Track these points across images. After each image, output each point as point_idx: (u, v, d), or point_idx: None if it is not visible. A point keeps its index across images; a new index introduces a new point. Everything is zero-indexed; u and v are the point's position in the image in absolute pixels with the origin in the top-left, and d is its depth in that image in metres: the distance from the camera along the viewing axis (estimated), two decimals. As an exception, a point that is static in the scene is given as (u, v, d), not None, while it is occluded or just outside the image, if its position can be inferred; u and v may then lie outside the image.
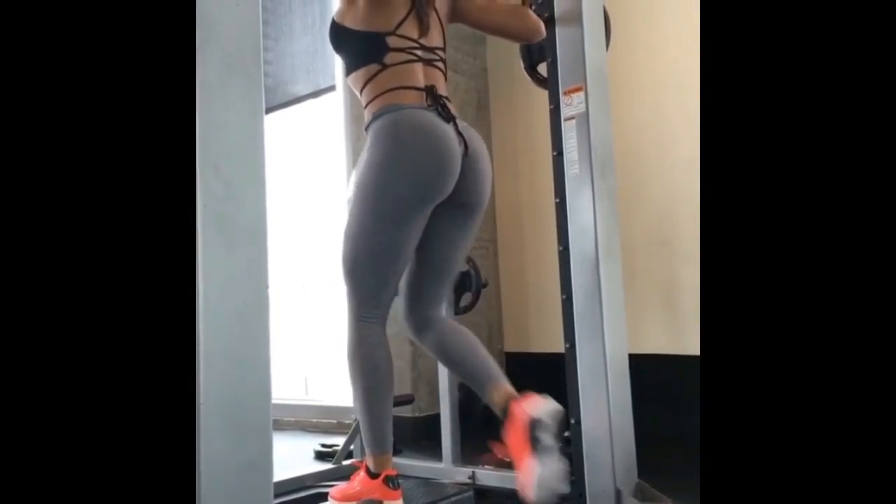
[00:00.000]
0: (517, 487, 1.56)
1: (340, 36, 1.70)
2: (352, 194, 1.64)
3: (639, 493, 1.94)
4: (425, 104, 1.61)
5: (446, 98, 1.69)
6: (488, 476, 2.29)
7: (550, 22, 2.12)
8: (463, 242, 1.75)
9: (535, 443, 1.50)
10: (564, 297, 2.06)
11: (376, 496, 1.65)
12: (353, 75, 1.69)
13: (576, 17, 2.04)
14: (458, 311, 2.53)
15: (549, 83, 2.16)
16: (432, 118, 1.60)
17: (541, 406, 1.53)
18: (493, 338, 3.63)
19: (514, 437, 1.54)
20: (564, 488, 1.55)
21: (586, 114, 2.01)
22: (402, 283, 1.73)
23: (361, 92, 1.67)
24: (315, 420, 3.72)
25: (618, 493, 1.90)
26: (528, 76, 2.38)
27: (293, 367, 4.06)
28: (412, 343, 3.28)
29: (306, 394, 4.09)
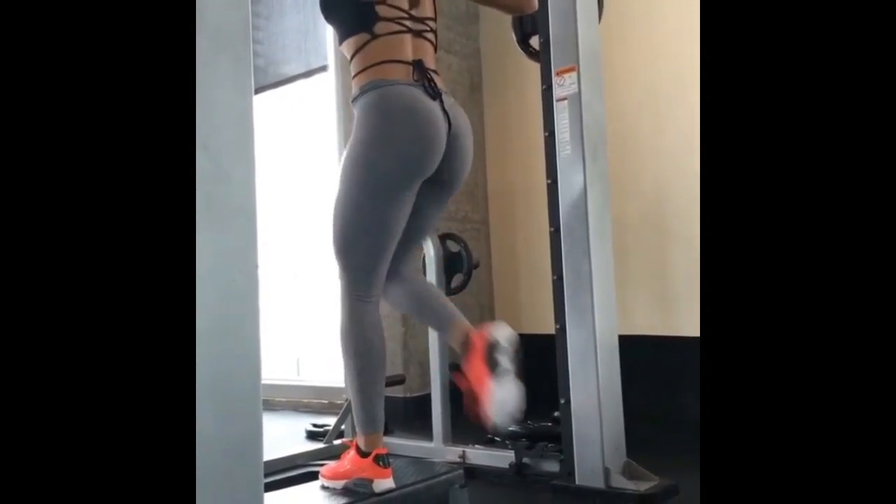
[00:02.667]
0: (467, 407, 1.61)
1: (330, 4, 1.69)
2: (340, 171, 1.64)
3: (627, 471, 1.96)
4: (412, 79, 1.61)
5: (434, 72, 1.68)
6: (478, 455, 2.31)
7: (543, 2, 2.11)
8: (436, 213, 1.80)
9: (493, 366, 1.55)
10: (555, 278, 2.06)
11: (367, 474, 1.66)
12: (344, 44, 1.69)
13: (568, -3, 2.03)
14: (450, 291, 2.54)
15: (542, 63, 2.15)
16: (418, 94, 1.59)
17: (497, 330, 1.60)
18: (484, 319, 3.64)
19: (474, 364, 1.59)
20: (520, 411, 1.59)
21: (578, 94, 2.01)
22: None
23: (352, 60, 1.67)
24: (306, 400, 3.74)
25: (606, 472, 1.92)
26: (520, 49, 2.37)
27: (285, 349, 4.07)
28: (404, 324, 3.30)
29: (298, 374, 4.11)
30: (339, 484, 1.71)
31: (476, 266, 2.58)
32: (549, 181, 2.08)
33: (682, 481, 1.91)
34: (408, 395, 3.26)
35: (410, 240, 1.76)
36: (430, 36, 1.70)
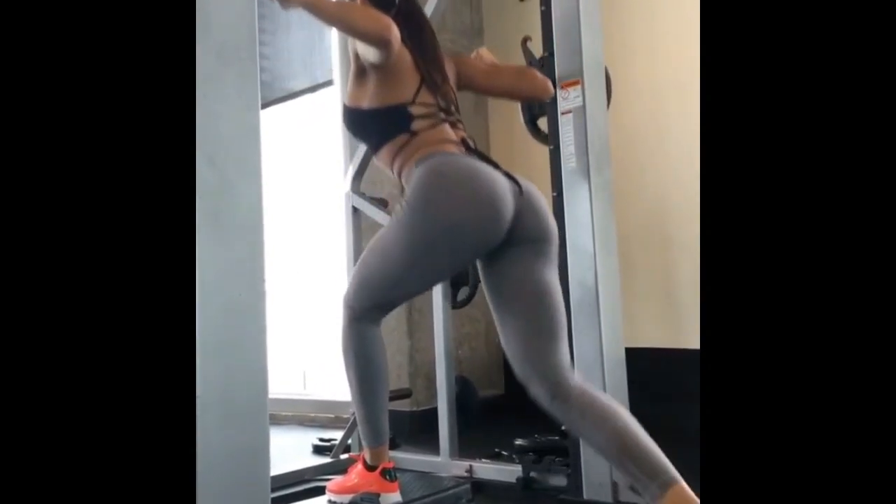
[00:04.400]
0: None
1: (359, 119, 1.64)
2: (394, 221, 1.53)
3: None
4: (465, 153, 1.55)
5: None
6: (485, 469, 2.30)
7: (547, 14, 2.12)
8: (548, 274, 1.54)
9: None
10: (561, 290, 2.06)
11: (374, 488, 1.66)
12: (381, 151, 1.61)
13: (572, 11, 2.04)
14: (455, 305, 2.53)
15: (546, 75, 2.16)
16: (477, 162, 1.51)
17: None
18: (490, 332, 3.63)
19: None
20: None
21: (583, 107, 2.01)
22: (513, 354, 1.51)
23: (393, 162, 1.59)
24: (313, 414, 3.73)
25: (614, 486, 1.91)
26: (528, 131, 2.40)
27: (291, 362, 4.07)
28: (410, 337, 3.30)
29: (304, 388, 4.10)
30: (346, 498, 1.70)
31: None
32: (555, 194, 2.09)
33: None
34: (414, 408, 3.25)
35: (545, 324, 1.49)
36: (461, 125, 1.66)
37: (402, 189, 1.60)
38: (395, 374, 3.29)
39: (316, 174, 3.99)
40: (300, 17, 3.94)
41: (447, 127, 1.60)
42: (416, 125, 1.56)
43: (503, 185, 1.48)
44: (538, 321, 1.48)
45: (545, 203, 1.57)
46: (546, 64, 2.13)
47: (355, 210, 2.66)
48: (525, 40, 2.29)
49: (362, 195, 2.66)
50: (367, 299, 1.60)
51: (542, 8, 2.14)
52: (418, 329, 3.27)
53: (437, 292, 2.44)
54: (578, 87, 2.02)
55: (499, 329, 1.55)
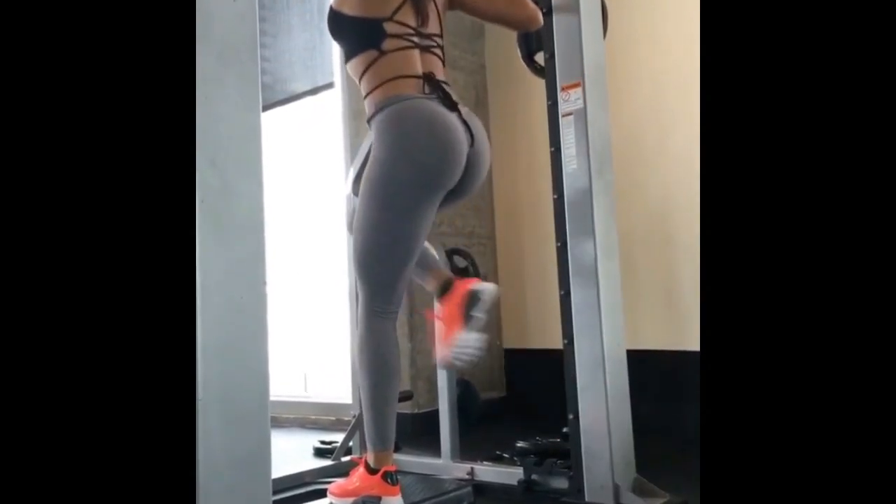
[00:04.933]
0: (436, 357, 1.71)
1: (338, 22, 1.70)
2: (361, 189, 1.65)
3: (637, 487, 1.94)
4: (424, 92, 1.61)
5: (445, 83, 1.69)
6: (487, 472, 2.29)
7: (548, 16, 2.12)
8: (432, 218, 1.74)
9: (469, 312, 1.62)
10: (563, 292, 2.06)
11: (375, 492, 1.65)
12: (352, 62, 1.69)
13: (573, 12, 2.04)
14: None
15: (547, 79, 2.16)
16: (435, 107, 1.60)
17: (482, 285, 1.67)
18: (491, 334, 3.62)
19: (451, 306, 1.66)
20: (475, 357, 1.65)
21: (584, 110, 2.01)
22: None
23: (361, 79, 1.67)
24: (314, 417, 3.72)
25: (616, 488, 1.91)
26: (525, 65, 2.38)
27: (293, 364, 4.06)
28: (411, 339, 3.29)
29: (305, 391, 4.09)
30: (348, 501, 1.70)
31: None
32: (556, 196, 2.08)
33: (692, 498, 1.89)
34: (415, 411, 3.25)
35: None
36: (438, 51, 1.71)
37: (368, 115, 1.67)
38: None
39: (317, 176, 3.99)
40: (301, 20, 3.95)
41: (416, 53, 1.65)
42: (387, 44, 1.62)
43: (458, 134, 1.60)
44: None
45: (488, 157, 1.72)
46: (548, 83, 2.13)
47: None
48: None
49: (363, 197, 2.65)
50: (372, 281, 1.66)
51: (544, 10, 2.14)
52: (419, 331, 3.27)
53: (439, 294, 2.44)
54: (579, 89, 2.02)
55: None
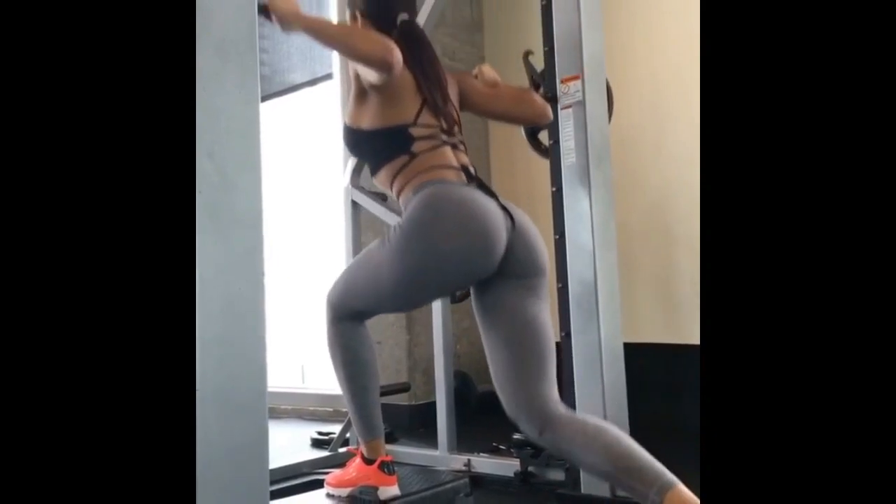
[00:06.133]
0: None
1: (358, 139, 1.62)
2: (386, 248, 1.51)
3: (633, 480, 1.95)
4: (465, 181, 1.54)
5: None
6: (484, 463, 2.30)
7: (547, 8, 2.11)
8: (538, 308, 1.53)
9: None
10: (560, 285, 2.06)
11: (371, 482, 1.66)
12: (380, 173, 1.60)
13: (573, 5, 2.04)
14: (454, 299, 2.53)
15: (546, 71, 2.16)
16: (475, 193, 1.50)
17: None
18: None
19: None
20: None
21: (583, 102, 2.01)
22: (502, 388, 1.52)
23: (393, 183, 1.58)
24: (312, 408, 3.73)
25: (612, 481, 1.92)
26: (528, 143, 2.39)
27: (290, 356, 4.07)
28: (409, 332, 3.30)
29: (303, 382, 4.10)
30: (345, 492, 1.71)
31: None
32: (554, 189, 2.09)
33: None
34: (412, 402, 3.26)
35: (534, 358, 1.49)
36: (463, 146, 1.64)
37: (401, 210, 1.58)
38: (394, 369, 3.30)
39: (315, 168, 3.99)
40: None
41: (448, 150, 1.58)
42: (417, 147, 1.54)
43: (497, 219, 1.47)
44: (526, 356, 1.47)
45: (538, 236, 1.56)
46: (547, 76, 2.12)
47: (354, 204, 2.66)
48: (527, 54, 2.27)
49: (361, 189, 2.66)
50: (350, 306, 1.63)
51: (543, 2, 2.14)
52: (417, 323, 3.27)
53: (436, 287, 2.44)
54: (578, 81, 2.02)
55: (488, 361, 1.54)
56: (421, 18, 2.58)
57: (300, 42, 3.95)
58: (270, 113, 4.04)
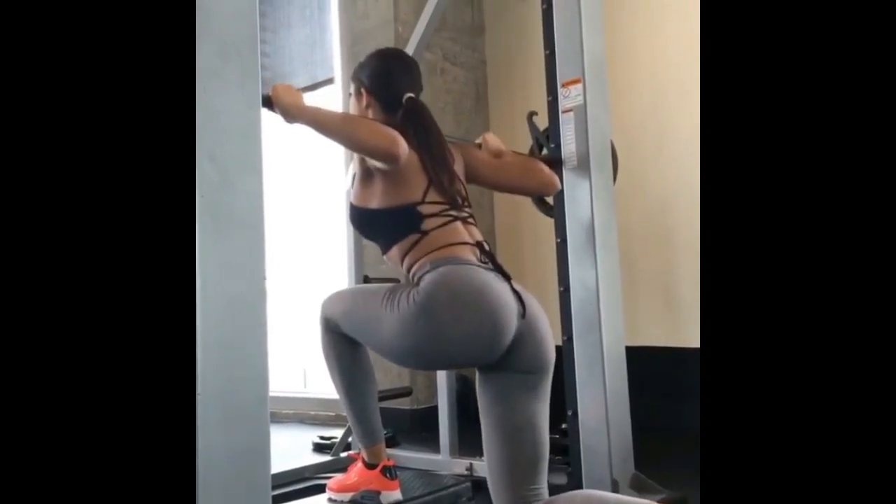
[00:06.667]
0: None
1: (368, 219, 1.60)
2: (394, 313, 1.46)
3: (635, 483, 1.94)
4: (479, 260, 1.50)
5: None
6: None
7: (548, 11, 2.12)
8: (536, 409, 1.50)
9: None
10: (562, 289, 2.06)
11: (374, 486, 1.66)
12: (392, 251, 1.57)
13: (574, 7, 2.04)
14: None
15: (547, 74, 2.16)
16: (491, 277, 1.46)
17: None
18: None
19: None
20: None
21: (584, 106, 2.01)
22: (490, 474, 1.51)
23: (403, 260, 1.54)
24: (313, 412, 3.73)
25: (614, 484, 1.91)
26: (534, 205, 2.39)
27: (292, 360, 4.07)
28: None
29: (305, 387, 4.10)
30: (347, 496, 1.71)
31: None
32: (556, 192, 2.08)
33: (690, 494, 1.89)
34: (414, 406, 3.26)
35: (524, 459, 1.46)
36: (473, 220, 1.61)
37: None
38: (396, 373, 3.29)
39: (317, 171, 3.99)
40: (301, 15, 3.95)
41: (459, 225, 1.55)
42: (427, 224, 1.51)
43: (509, 308, 1.44)
44: (519, 459, 1.46)
45: (547, 328, 1.51)
46: (550, 138, 2.12)
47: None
48: (531, 115, 2.26)
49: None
50: (344, 329, 1.62)
51: (544, 6, 2.14)
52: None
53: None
54: (580, 85, 2.02)
55: (483, 445, 1.52)
56: (422, 22, 2.59)
57: (302, 46, 3.95)
58: (272, 115, 4.03)
